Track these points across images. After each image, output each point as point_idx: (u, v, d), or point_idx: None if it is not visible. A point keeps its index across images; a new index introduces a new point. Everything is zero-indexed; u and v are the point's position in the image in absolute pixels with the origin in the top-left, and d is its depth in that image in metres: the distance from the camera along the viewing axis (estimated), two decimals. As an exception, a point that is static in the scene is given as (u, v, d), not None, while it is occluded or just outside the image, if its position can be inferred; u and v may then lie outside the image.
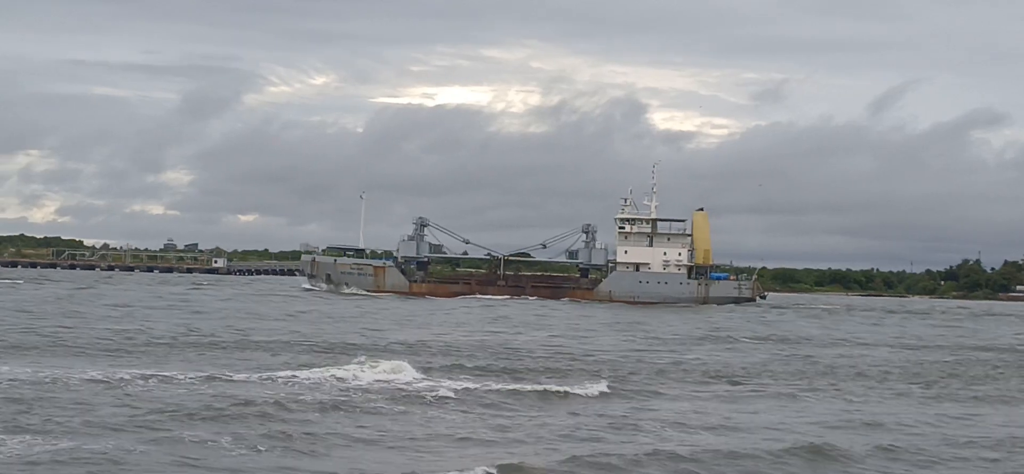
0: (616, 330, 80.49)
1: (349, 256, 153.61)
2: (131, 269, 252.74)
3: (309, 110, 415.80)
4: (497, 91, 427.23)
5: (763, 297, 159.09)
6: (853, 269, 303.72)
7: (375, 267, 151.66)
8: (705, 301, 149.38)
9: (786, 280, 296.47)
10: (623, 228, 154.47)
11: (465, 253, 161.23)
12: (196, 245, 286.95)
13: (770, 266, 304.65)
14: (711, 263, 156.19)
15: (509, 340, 64.57)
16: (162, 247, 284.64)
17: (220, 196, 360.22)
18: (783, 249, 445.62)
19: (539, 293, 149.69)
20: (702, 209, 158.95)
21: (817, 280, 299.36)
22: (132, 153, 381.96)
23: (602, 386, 40.92)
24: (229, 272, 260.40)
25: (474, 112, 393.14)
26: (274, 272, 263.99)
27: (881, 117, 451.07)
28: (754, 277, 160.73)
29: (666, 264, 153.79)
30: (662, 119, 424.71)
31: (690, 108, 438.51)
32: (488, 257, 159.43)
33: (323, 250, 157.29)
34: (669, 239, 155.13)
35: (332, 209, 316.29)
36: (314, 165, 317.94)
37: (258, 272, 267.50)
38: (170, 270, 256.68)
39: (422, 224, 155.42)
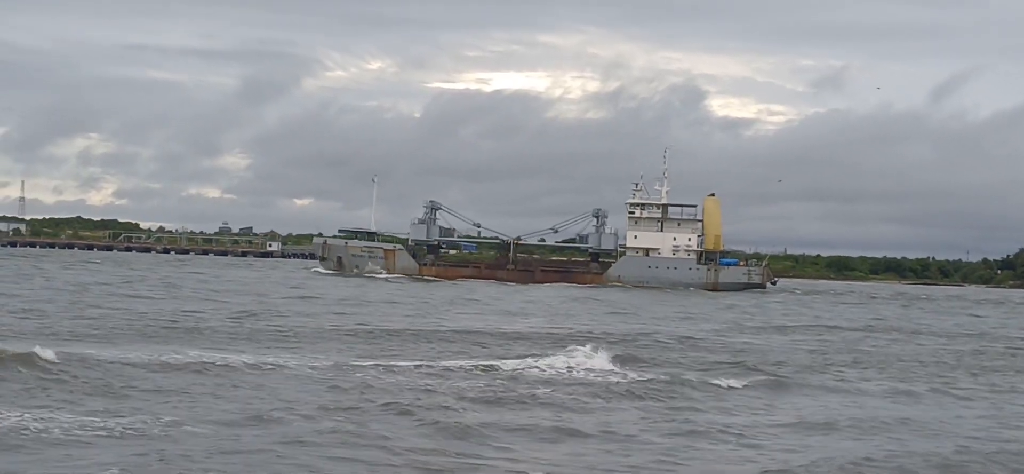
0: (716, 320, 77.58)
1: (360, 239, 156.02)
2: (186, 252, 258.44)
3: (366, 95, 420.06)
4: (553, 77, 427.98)
5: (773, 283, 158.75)
6: (908, 258, 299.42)
7: (385, 250, 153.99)
8: (715, 287, 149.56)
9: (841, 268, 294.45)
10: (633, 213, 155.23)
11: (479, 233, 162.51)
12: (251, 228, 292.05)
13: (825, 254, 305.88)
14: (722, 248, 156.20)
15: (648, 329, 63.32)
16: (217, 230, 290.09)
17: (276, 180, 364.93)
18: (839, 237, 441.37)
19: (548, 278, 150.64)
20: (714, 194, 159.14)
21: (872, 268, 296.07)
22: (189, 137, 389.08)
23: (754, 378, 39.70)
24: (283, 255, 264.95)
25: (532, 98, 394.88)
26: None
27: (941, 104, 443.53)
28: (764, 263, 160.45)
29: (676, 249, 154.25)
30: (720, 105, 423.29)
31: (748, 95, 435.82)
32: (497, 241, 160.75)
33: (336, 233, 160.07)
34: (680, 224, 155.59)
35: (387, 194, 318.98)
36: (370, 150, 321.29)
37: (312, 255, 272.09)
38: (225, 253, 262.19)
39: (433, 208, 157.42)
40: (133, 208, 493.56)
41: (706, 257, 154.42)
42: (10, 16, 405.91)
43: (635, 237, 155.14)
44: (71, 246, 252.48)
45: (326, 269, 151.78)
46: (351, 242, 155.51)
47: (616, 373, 38.27)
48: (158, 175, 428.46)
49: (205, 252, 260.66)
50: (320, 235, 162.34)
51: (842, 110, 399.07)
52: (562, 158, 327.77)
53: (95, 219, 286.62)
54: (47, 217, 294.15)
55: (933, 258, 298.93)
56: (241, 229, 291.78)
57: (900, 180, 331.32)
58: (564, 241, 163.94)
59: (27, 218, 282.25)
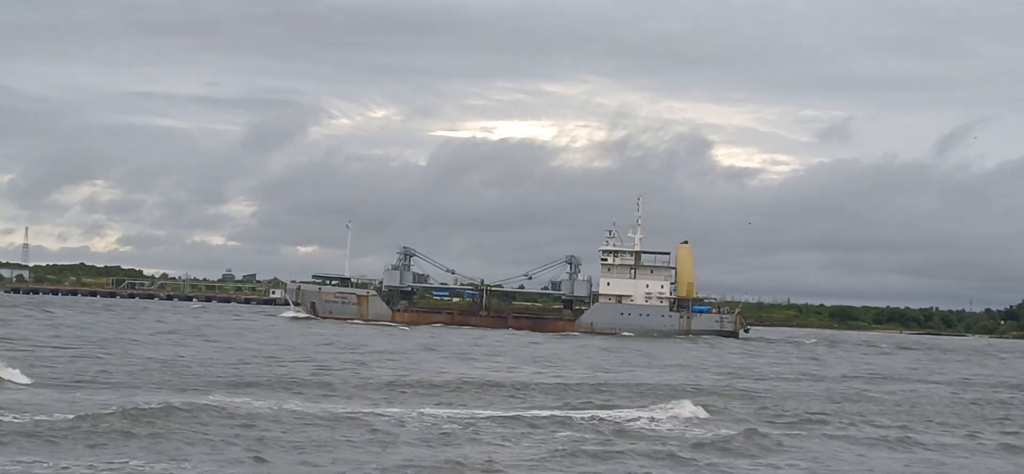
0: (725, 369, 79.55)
1: (334, 285, 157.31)
2: (189, 299, 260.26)
3: (371, 143, 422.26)
4: (558, 125, 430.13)
5: (746, 330, 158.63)
6: (912, 308, 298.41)
7: (359, 296, 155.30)
8: (687, 333, 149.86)
9: (844, 318, 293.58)
10: (606, 260, 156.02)
11: (455, 279, 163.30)
12: (254, 276, 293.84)
13: (828, 303, 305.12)
14: (694, 296, 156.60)
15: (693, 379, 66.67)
16: (221, 278, 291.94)
17: (280, 228, 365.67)
18: (842, 287, 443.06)
19: (520, 324, 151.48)
20: (686, 242, 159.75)
21: (875, 318, 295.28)
22: (194, 184, 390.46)
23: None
24: (286, 303, 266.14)
25: (537, 146, 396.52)
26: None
27: (946, 155, 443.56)
28: (737, 310, 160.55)
29: (648, 296, 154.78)
30: (725, 155, 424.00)
31: (752, 144, 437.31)
32: (471, 287, 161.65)
33: (309, 279, 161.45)
34: (652, 272, 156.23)
35: (390, 242, 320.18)
36: (375, 197, 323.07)
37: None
38: (228, 300, 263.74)
39: (407, 254, 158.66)
40: (137, 255, 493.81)
41: (678, 304, 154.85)
42: (16, 64, 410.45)
43: (608, 284, 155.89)
44: (74, 293, 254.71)
45: (299, 313, 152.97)
46: (325, 288, 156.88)
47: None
48: (163, 222, 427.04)
49: (208, 299, 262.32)
50: (293, 281, 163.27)
51: (847, 160, 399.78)
52: (568, 207, 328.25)
53: (99, 266, 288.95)
54: (51, 263, 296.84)
55: (936, 308, 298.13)
56: (244, 276, 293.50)
57: (905, 230, 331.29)
58: (540, 288, 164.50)
59: (31, 264, 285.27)
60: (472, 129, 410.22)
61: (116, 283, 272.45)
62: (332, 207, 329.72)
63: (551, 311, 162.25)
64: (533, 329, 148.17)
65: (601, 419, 40.87)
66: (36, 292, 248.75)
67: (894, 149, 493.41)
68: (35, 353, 60.81)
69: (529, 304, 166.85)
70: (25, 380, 44.84)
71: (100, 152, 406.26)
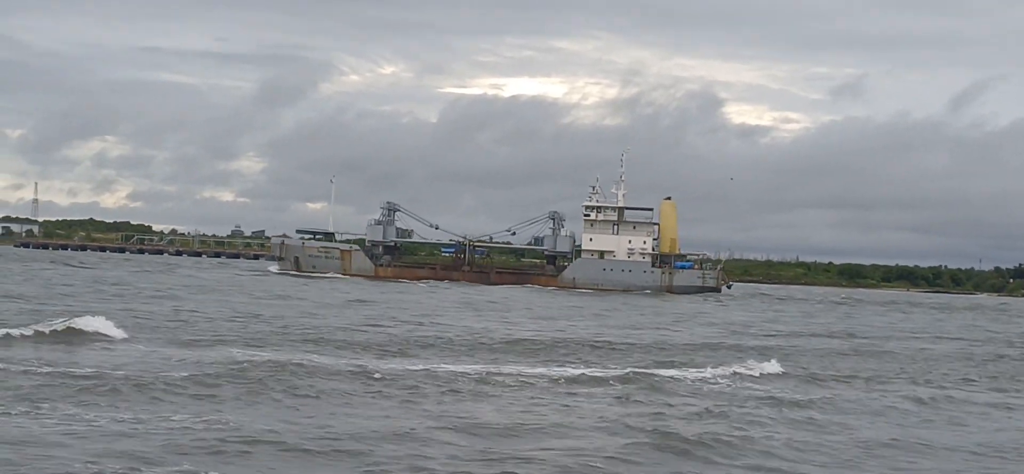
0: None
1: (318, 240, 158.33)
2: (199, 254, 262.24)
3: (381, 100, 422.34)
4: (567, 82, 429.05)
5: (728, 287, 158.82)
6: (921, 266, 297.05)
7: (342, 251, 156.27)
8: (669, 289, 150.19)
9: (853, 275, 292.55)
10: (589, 216, 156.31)
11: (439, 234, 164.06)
12: (263, 232, 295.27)
13: (837, 261, 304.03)
14: (678, 251, 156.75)
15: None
16: (230, 233, 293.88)
17: (290, 184, 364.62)
18: (852, 245, 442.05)
19: (503, 280, 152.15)
20: (670, 198, 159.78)
21: (884, 276, 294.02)
22: (204, 140, 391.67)
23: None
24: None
25: (548, 104, 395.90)
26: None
27: (960, 113, 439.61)
28: (719, 267, 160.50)
29: (631, 252, 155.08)
30: (736, 113, 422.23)
31: (762, 102, 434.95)
32: (453, 242, 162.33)
33: (293, 233, 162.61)
34: (635, 227, 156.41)
35: (400, 197, 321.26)
36: (385, 154, 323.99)
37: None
38: (237, 256, 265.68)
39: (391, 209, 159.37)
40: (147, 211, 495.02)
41: (661, 260, 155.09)
42: (27, 19, 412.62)
43: (590, 240, 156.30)
44: (84, 248, 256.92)
45: (282, 269, 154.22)
46: (308, 242, 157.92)
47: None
48: (173, 178, 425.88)
49: (217, 255, 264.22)
50: (277, 236, 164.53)
51: (860, 118, 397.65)
52: (578, 164, 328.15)
53: (108, 221, 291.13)
54: (61, 219, 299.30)
55: (945, 266, 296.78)
56: (253, 232, 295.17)
57: (916, 188, 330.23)
58: (517, 245, 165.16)
59: (40, 220, 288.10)
60: (482, 86, 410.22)
61: (125, 239, 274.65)
62: (342, 163, 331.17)
63: (534, 266, 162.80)
64: (515, 284, 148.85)
65: (708, 377, 40.76)
66: (45, 247, 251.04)
67: (907, 107, 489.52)
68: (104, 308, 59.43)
69: (512, 259, 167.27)
70: (120, 333, 44.39)
71: (110, 107, 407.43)
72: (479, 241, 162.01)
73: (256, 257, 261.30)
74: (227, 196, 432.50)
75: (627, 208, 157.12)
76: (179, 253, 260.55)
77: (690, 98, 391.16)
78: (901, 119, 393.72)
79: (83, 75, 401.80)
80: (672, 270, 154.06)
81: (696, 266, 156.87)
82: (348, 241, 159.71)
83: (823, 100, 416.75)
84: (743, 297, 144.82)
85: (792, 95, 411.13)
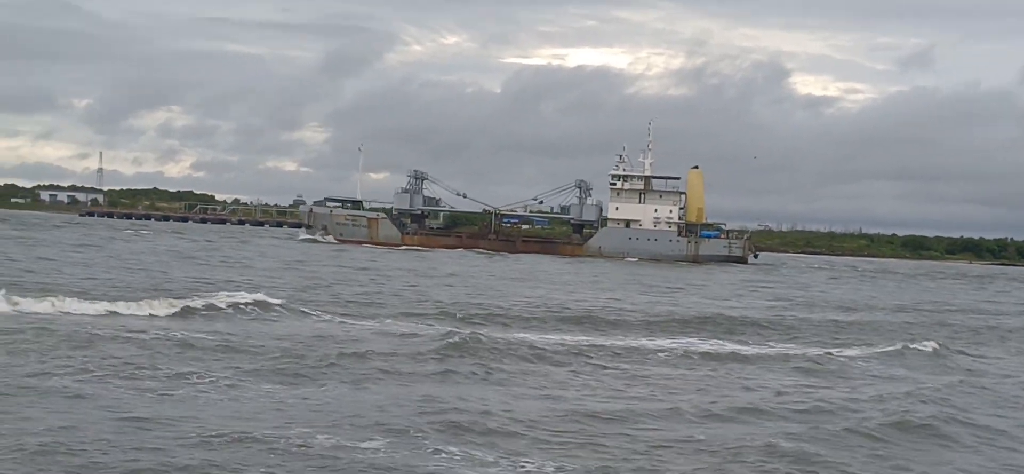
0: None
1: (347, 207, 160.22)
2: (261, 223, 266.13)
3: (445, 70, 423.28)
4: (630, 52, 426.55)
5: (755, 256, 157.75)
6: (986, 238, 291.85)
7: (369, 219, 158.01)
8: (695, 259, 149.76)
9: (916, 247, 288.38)
10: (615, 185, 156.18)
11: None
12: (325, 201, 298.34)
13: (900, 233, 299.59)
14: (705, 221, 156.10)
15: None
16: (291, 203, 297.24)
17: (353, 154, 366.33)
18: (917, 216, 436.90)
19: (529, 249, 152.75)
20: (697, 167, 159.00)
21: (948, 248, 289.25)
22: (268, 110, 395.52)
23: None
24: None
25: (613, 74, 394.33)
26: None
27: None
28: (746, 236, 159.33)
29: (657, 221, 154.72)
30: (803, 83, 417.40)
31: (827, 72, 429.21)
32: (482, 211, 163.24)
33: (320, 201, 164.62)
34: (661, 196, 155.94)
35: (463, 168, 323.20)
36: (449, 124, 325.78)
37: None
38: (299, 225, 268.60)
39: (418, 177, 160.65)
40: (210, 180, 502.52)
41: (687, 229, 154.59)
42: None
43: (616, 209, 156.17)
44: (148, 217, 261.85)
45: (311, 236, 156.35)
46: (336, 210, 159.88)
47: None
48: (236, 148, 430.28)
49: (279, 224, 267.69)
50: (306, 204, 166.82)
51: (928, 88, 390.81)
52: (641, 135, 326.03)
53: (171, 191, 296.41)
54: (125, 188, 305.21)
55: (1011, 239, 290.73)
56: (315, 202, 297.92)
57: (984, 160, 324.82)
58: (549, 213, 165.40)
59: (105, 189, 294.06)
60: (544, 56, 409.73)
61: (188, 208, 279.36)
62: (406, 133, 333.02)
63: (560, 235, 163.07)
64: (541, 253, 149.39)
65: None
66: (110, 216, 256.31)
67: (976, 77, 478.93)
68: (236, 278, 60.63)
69: (540, 228, 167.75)
70: (284, 304, 44.67)
71: (175, 78, 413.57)
72: (507, 210, 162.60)
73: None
74: (290, 166, 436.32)
75: (654, 177, 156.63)
76: (242, 222, 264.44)
77: (756, 68, 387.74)
78: (970, 90, 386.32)
79: (148, 45, 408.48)
80: (698, 239, 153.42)
81: (722, 236, 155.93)
82: (375, 209, 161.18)
83: (889, 70, 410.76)
84: (773, 267, 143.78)
85: (856, 65, 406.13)
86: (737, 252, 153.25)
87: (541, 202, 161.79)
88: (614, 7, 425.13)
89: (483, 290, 66.72)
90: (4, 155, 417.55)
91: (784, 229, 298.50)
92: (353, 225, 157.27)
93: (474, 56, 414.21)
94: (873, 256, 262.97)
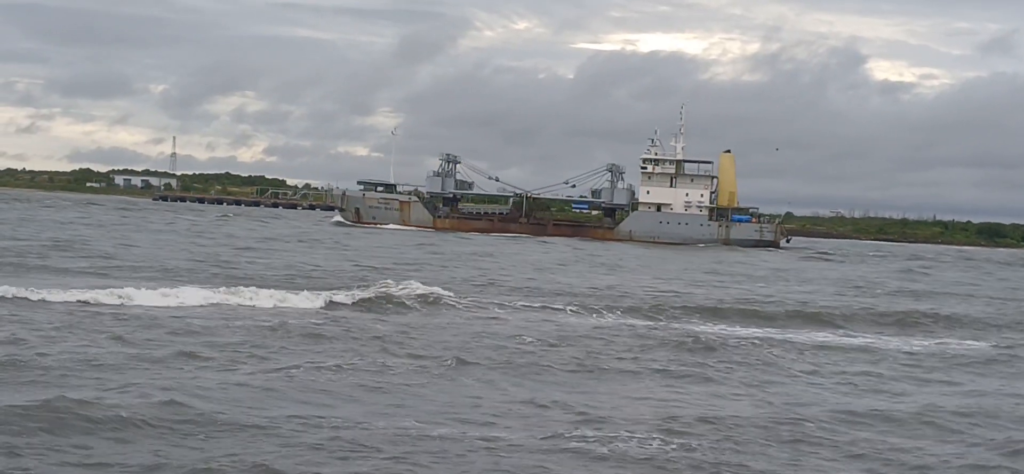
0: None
1: (379, 191, 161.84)
2: (331, 209, 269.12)
3: (517, 56, 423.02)
4: (701, 37, 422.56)
5: (787, 241, 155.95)
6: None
7: (401, 202, 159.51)
8: (726, 242, 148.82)
9: (992, 235, 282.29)
10: (646, 169, 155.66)
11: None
12: (394, 187, 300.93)
13: (976, 220, 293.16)
14: (736, 205, 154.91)
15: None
16: (410, 191, 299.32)
17: (424, 139, 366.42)
18: (994, 204, 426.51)
19: (560, 232, 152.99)
20: (729, 151, 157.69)
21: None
22: (341, 96, 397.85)
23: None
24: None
25: (687, 60, 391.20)
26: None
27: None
28: (777, 220, 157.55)
29: (688, 205, 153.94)
30: (878, 69, 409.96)
31: (903, 58, 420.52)
32: (514, 195, 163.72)
33: (355, 185, 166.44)
34: (693, 180, 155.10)
35: (534, 153, 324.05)
36: (521, 109, 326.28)
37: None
38: (333, 209, 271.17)
39: (450, 160, 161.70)
40: (281, 165, 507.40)
41: (718, 213, 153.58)
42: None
43: (647, 192, 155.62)
44: (220, 201, 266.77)
45: (344, 219, 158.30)
46: (368, 194, 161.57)
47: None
48: (308, 133, 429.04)
49: (312, 207, 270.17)
50: (338, 187, 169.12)
51: (1007, 74, 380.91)
52: (715, 120, 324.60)
53: (243, 175, 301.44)
54: (198, 172, 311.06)
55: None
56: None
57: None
58: (579, 197, 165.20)
59: (178, 173, 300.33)
60: (615, 42, 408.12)
61: (260, 192, 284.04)
62: (477, 119, 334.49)
63: (591, 219, 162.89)
64: (572, 236, 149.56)
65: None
66: (182, 200, 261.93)
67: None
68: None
69: (568, 211, 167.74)
70: (449, 293, 44.72)
71: (249, 64, 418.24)
72: (537, 194, 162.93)
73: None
74: (361, 151, 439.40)
75: (686, 160, 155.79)
76: (312, 207, 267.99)
77: (832, 54, 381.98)
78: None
79: (223, 31, 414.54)
80: (729, 223, 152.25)
81: (754, 220, 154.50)
82: (408, 192, 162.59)
83: (967, 56, 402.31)
84: (806, 252, 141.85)
85: (932, 51, 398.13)
86: (768, 237, 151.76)
87: (574, 186, 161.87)
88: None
89: (584, 277, 66.66)
90: (80, 140, 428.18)
91: (857, 216, 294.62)
92: (385, 209, 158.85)
93: (546, 42, 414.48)
94: (948, 244, 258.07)
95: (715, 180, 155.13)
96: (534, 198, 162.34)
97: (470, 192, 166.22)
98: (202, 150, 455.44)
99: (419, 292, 44.05)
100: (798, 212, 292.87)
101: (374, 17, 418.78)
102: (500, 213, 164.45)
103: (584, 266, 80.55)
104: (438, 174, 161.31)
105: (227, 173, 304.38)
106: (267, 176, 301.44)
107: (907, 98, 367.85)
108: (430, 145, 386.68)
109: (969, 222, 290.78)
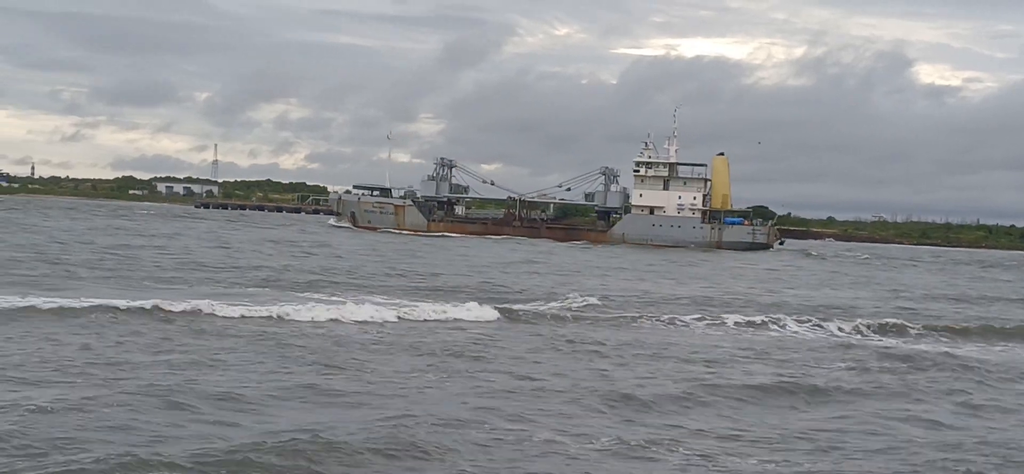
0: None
1: (374, 195, 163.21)
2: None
3: (561, 61, 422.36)
4: (743, 42, 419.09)
5: (781, 243, 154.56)
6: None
7: (396, 206, 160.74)
8: (718, 245, 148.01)
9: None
10: (639, 172, 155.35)
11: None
12: (389, 190, 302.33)
13: (1020, 224, 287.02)
14: (729, 207, 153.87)
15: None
16: (402, 194, 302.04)
17: (466, 145, 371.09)
18: None
19: (554, 235, 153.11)
20: (722, 154, 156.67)
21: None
22: (383, 103, 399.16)
23: None
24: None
25: (731, 64, 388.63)
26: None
27: None
28: (770, 223, 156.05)
29: (681, 208, 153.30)
30: (925, 73, 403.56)
31: (946, 61, 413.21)
32: (507, 198, 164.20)
33: (349, 189, 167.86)
34: (685, 183, 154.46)
35: (575, 159, 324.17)
36: (562, 116, 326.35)
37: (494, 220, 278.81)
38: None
39: (445, 164, 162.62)
40: (323, 172, 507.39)
41: (710, 216, 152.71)
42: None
43: (640, 195, 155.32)
44: (261, 208, 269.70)
45: (339, 223, 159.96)
46: (363, 198, 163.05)
47: None
48: (350, 140, 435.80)
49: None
50: (335, 191, 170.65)
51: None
52: (759, 124, 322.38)
53: (284, 182, 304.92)
54: (239, 179, 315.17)
55: None
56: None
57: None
58: (568, 201, 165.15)
59: (219, 180, 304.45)
60: (656, 46, 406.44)
61: (301, 199, 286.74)
62: (520, 124, 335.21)
63: (585, 222, 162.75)
64: (566, 239, 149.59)
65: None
66: (224, 207, 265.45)
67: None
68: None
69: (561, 215, 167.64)
70: (494, 315, 41.51)
71: (291, 70, 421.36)
72: (530, 197, 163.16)
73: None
74: (402, 157, 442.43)
75: (679, 163, 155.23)
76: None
77: (879, 58, 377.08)
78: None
79: (264, 38, 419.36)
80: (721, 226, 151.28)
81: (746, 222, 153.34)
82: (403, 196, 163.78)
83: (1011, 59, 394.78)
84: (797, 255, 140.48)
85: (976, 54, 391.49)
86: (761, 239, 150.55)
87: (569, 189, 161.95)
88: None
89: (714, 283, 67.54)
90: (124, 148, 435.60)
91: (899, 220, 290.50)
92: (380, 213, 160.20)
93: (588, 47, 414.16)
94: (991, 248, 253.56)
95: (708, 183, 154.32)
96: (527, 201, 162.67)
97: (465, 196, 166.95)
98: (244, 157, 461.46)
99: (589, 303, 45.05)
100: (840, 216, 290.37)
101: (415, 23, 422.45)
102: (494, 217, 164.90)
103: (665, 273, 79.64)
104: (433, 178, 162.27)
105: (268, 180, 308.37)
106: (308, 182, 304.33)
107: (952, 101, 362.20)
108: (471, 151, 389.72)
109: (1012, 226, 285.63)
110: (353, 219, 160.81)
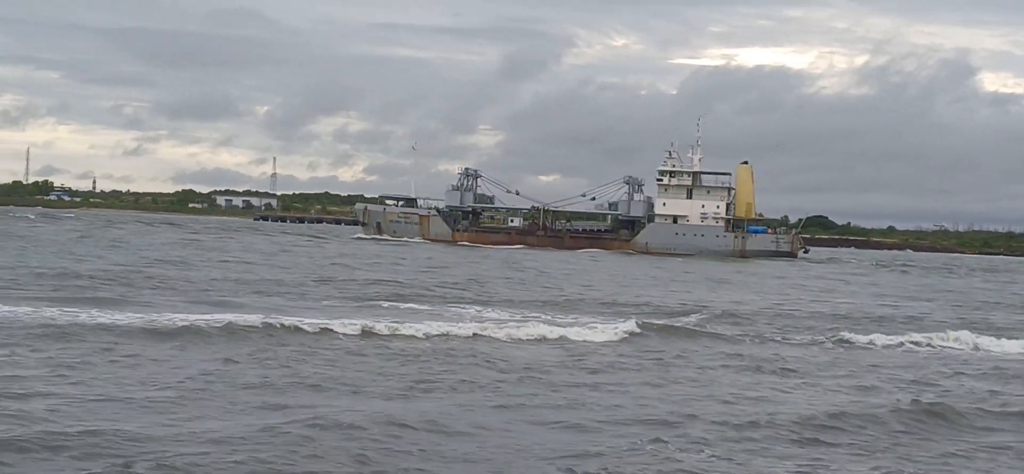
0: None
1: (399, 205, 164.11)
2: (338, 222, 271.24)
3: (621, 72, 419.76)
4: (801, 51, 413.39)
5: (805, 251, 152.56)
6: None
7: (421, 216, 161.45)
8: (742, 254, 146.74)
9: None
10: (662, 181, 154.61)
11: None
12: (415, 201, 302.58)
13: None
14: (753, 215, 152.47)
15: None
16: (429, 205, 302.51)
17: (524, 157, 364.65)
18: None
19: (578, 244, 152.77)
20: (746, 162, 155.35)
21: None
22: (442, 115, 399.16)
23: None
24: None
25: (792, 74, 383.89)
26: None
27: None
28: (794, 231, 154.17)
29: (704, 216, 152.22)
30: (990, 81, 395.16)
31: (1009, 69, 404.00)
32: (531, 208, 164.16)
33: (375, 199, 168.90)
34: (709, 192, 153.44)
35: (637, 169, 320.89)
36: (622, 127, 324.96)
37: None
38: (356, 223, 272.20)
39: (470, 175, 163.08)
40: (381, 184, 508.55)
41: (734, 224, 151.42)
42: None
43: (664, 204, 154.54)
44: (319, 221, 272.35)
45: (366, 234, 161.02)
46: (388, 208, 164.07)
47: None
48: (409, 152, 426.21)
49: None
50: (361, 203, 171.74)
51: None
52: (820, 134, 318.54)
53: (342, 195, 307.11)
54: (298, 192, 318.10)
55: None
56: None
57: None
58: (592, 211, 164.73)
59: (278, 193, 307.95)
60: (714, 56, 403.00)
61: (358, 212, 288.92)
62: (578, 136, 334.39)
63: (609, 231, 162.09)
64: (590, 248, 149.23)
65: None
66: (282, 220, 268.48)
67: None
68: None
69: (584, 224, 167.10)
70: (635, 328, 40.22)
71: (351, 84, 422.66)
72: (555, 207, 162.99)
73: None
74: (461, 169, 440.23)
75: (702, 172, 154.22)
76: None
77: (943, 66, 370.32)
78: None
79: (323, 51, 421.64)
80: (745, 234, 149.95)
81: (770, 231, 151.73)
82: (430, 207, 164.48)
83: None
84: (828, 262, 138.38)
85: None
86: (785, 247, 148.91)
87: (593, 199, 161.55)
88: (785, 6, 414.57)
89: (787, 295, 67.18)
90: (184, 162, 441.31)
91: (961, 229, 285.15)
92: (405, 223, 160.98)
93: (647, 58, 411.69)
94: None
95: (732, 191, 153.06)
96: (551, 210, 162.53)
97: (490, 206, 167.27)
98: (303, 170, 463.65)
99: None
100: (900, 226, 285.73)
101: (473, 36, 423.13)
102: (519, 227, 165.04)
103: (742, 283, 79.47)
104: (457, 188, 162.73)
105: (326, 192, 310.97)
106: (366, 195, 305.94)
107: (1016, 110, 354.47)
108: (530, 162, 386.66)
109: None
110: (378, 229, 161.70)
